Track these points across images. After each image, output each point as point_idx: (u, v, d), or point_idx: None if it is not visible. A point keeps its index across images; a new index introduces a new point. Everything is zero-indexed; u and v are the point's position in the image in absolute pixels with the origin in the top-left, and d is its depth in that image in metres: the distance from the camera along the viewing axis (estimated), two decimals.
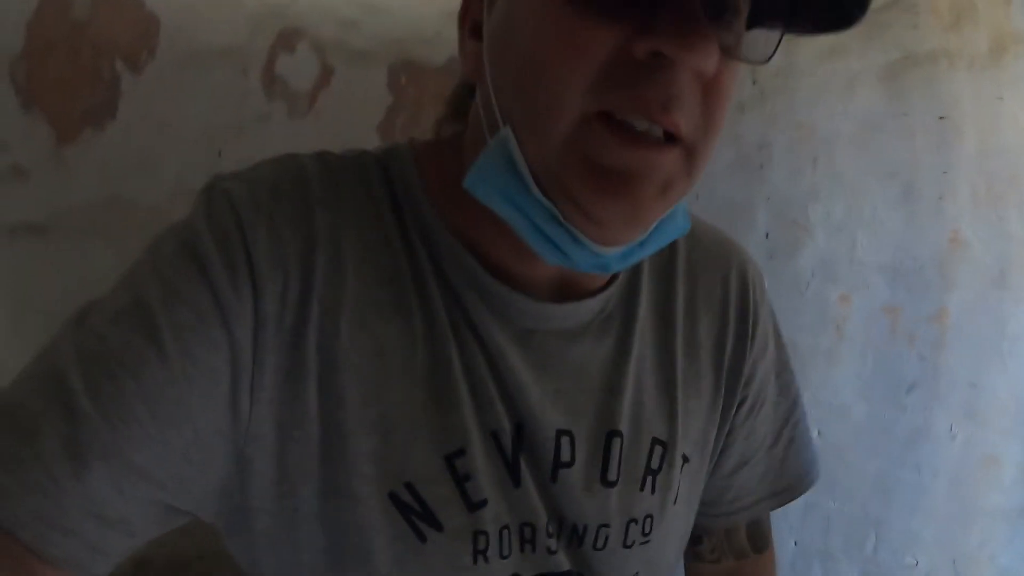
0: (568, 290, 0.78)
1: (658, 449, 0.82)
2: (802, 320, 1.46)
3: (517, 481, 0.75)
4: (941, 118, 1.29)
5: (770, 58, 0.65)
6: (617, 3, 0.60)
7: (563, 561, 0.78)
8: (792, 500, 0.97)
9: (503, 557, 0.74)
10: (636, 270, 0.84)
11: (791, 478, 0.97)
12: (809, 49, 1.44)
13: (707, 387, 0.87)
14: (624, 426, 0.81)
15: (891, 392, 1.35)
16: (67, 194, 1.45)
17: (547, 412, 0.76)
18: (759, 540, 1.02)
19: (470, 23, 0.75)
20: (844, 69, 1.39)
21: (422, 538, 0.71)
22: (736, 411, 0.90)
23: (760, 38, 0.66)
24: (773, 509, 0.99)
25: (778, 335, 0.93)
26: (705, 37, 0.59)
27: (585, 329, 0.79)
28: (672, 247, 0.87)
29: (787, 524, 1.50)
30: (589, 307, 0.78)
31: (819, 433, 1.45)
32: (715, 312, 0.88)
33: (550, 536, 0.77)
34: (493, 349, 0.75)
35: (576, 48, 0.62)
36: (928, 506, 1.30)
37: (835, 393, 1.42)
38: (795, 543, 1.50)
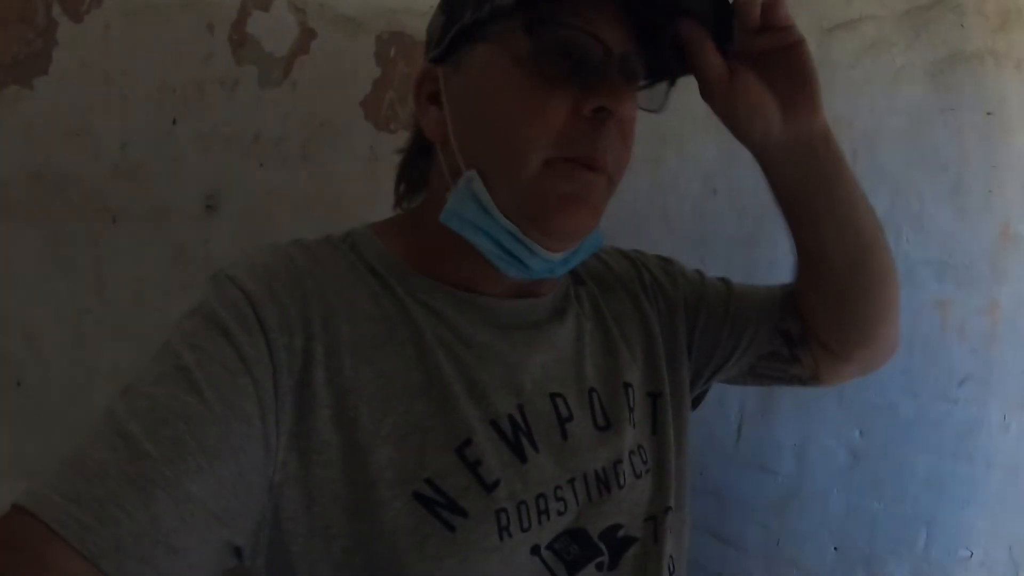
0: (525, 293, 1.03)
1: (629, 391, 1.05)
2: None
3: (523, 458, 0.91)
4: (989, 114, 1.35)
5: (663, 107, 0.99)
6: (566, 72, 0.86)
7: (574, 519, 0.93)
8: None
9: (524, 530, 0.88)
10: (568, 284, 1.11)
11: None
12: (847, 43, 1.49)
13: (641, 339, 1.13)
14: (597, 383, 1.03)
15: (941, 387, 1.41)
16: None
17: (539, 382, 0.97)
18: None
19: (426, 93, 0.97)
20: (887, 63, 1.44)
21: (451, 528, 0.84)
22: (690, 334, 1.18)
23: (656, 92, 0.98)
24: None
25: (658, 262, 1.25)
26: (629, 93, 0.88)
27: (548, 320, 1.03)
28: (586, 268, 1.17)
29: (826, 530, 1.52)
30: (544, 303, 1.04)
31: (861, 433, 1.49)
32: (617, 289, 1.16)
33: (559, 500, 0.92)
34: (480, 347, 0.95)
35: (537, 111, 0.86)
36: (982, 497, 1.36)
37: (880, 391, 1.45)
38: (835, 548, 1.52)
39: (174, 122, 1.41)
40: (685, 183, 1.65)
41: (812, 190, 1.04)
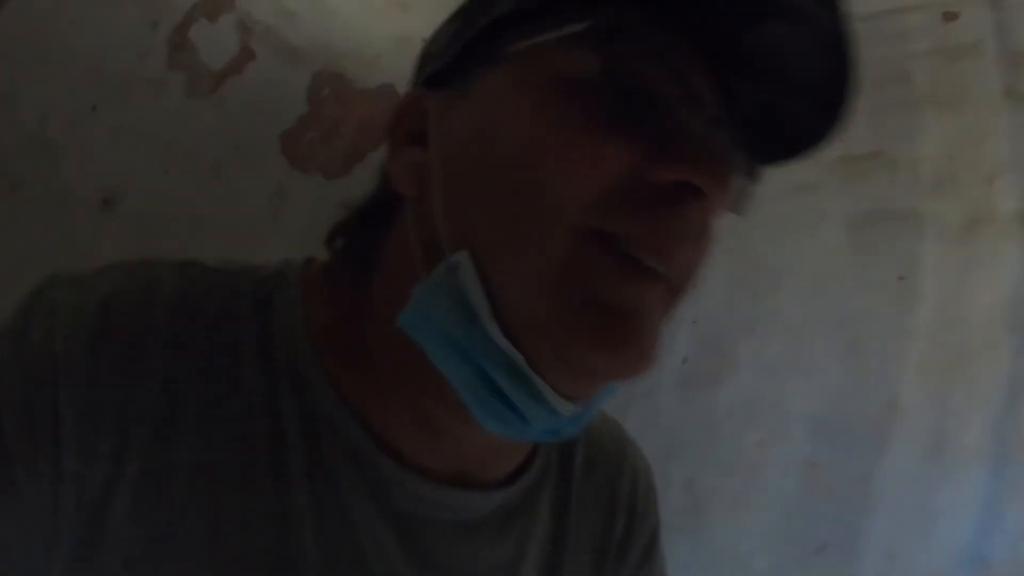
0: (467, 479, 0.70)
1: None
2: (710, 457, 1.46)
3: None
4: (901, 278, 1.35)
5: (745, 210, 0.65)
6: (637, 117, 0.56)
7: None
8: None
9: None
10: (544, 467, 0.78)
11: None
12: (776, 177, 1.47)
13: None
14: None
15: (797, 550, 1.35)
16: None
17: None
18: None
19: (406, 132, 0.68)
20: (810, 207, 1.43)
21: None
22: None
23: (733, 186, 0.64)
24: None
25: (656, 545, 0.87)
26: (730, 171, 0.58)
27: (482, 525, 0.71)
28: (572, 443, 0.81)
29: None
30: (491, 500, 0.71)
31: None
32: (600, 517, 0.82)
33: None
34: (366, 539, 0.65)
35: (581, 163, 0.56)
36: None
37: (736, 541, 1.41)
38: None
39: (94, 108, 1.43)
40: None
41: None
